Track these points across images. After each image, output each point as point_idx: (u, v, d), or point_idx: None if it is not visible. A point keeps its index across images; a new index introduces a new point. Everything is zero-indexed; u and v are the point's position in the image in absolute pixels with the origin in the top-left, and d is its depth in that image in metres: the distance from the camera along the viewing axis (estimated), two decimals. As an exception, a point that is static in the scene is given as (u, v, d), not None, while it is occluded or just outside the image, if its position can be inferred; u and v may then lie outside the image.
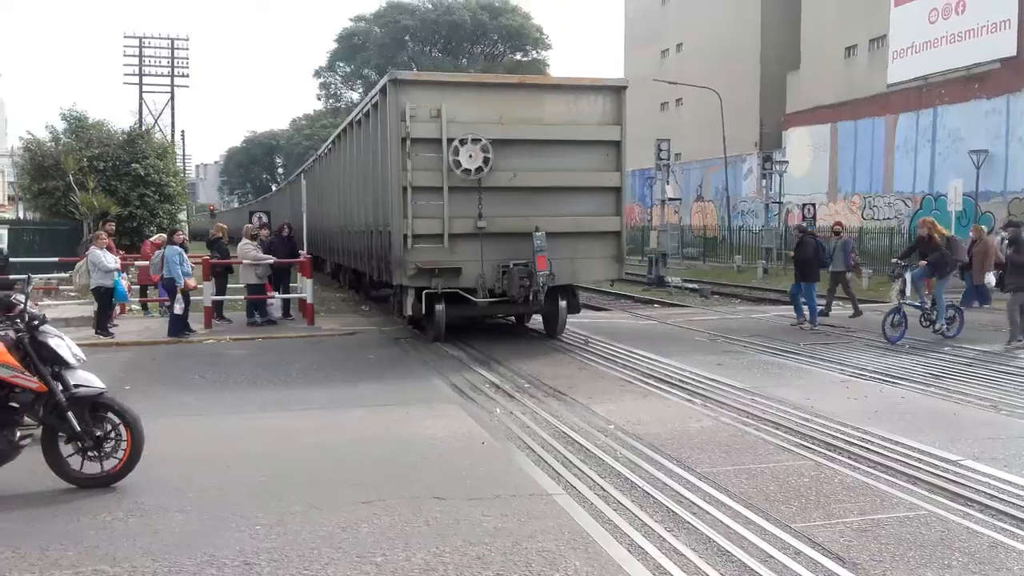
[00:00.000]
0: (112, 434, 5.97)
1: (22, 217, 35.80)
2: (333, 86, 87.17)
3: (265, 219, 20.01)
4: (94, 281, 13.58)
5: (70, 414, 5.83)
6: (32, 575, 4.47)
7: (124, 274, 14.51)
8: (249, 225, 16.97)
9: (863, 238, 31.83)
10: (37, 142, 26.08)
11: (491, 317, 15.08)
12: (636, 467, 6.42)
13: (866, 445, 7.01)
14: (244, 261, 15.22)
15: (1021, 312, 12.70)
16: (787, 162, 37.30)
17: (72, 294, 19.29)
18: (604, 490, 5.89)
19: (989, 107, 31.18)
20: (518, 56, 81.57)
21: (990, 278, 17.38)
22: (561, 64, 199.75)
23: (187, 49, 55.66)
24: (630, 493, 5.82)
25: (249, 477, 6.20)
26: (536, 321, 14.61)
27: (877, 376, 10.28)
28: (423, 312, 12.84)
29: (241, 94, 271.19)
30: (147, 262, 16.02)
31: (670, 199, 31.64)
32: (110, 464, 5.96)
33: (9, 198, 53.15)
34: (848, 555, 4.72)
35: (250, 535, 4.99)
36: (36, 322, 5.92)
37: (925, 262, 13.72)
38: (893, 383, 9.86)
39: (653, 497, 5.73)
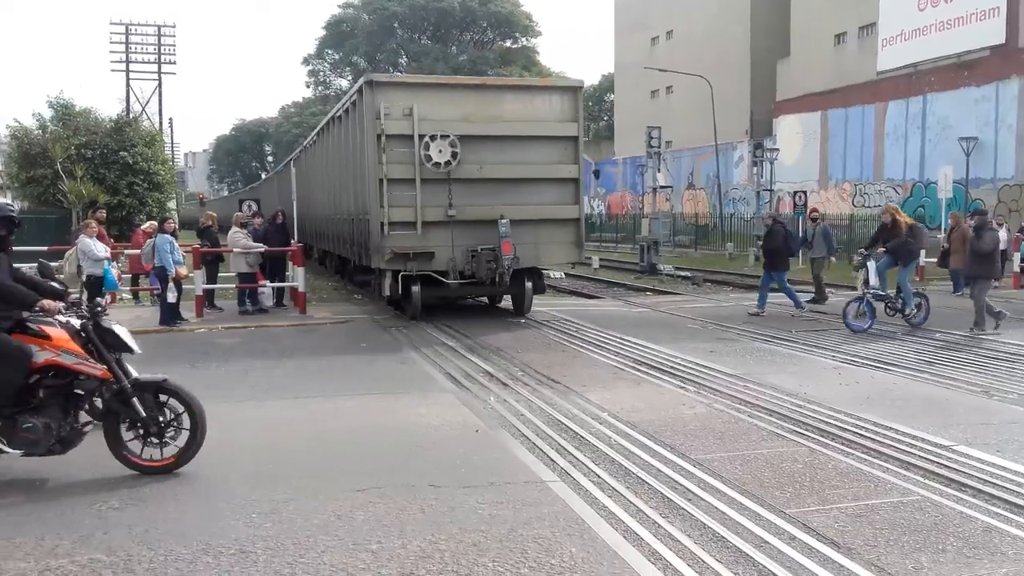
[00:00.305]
0: (174, 421, 5.98)
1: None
2: (322, 73, 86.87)
3: (255, 207, 19.92)
4: (85, 270, 13.50)
5: (135, 400, 5.83)
6: (28, 563, 4.44)
7: (114, 263, 14.42)
8: (239, 213, 16.86)
9: (853, 225, 31.93)
10: (24, 130, 25.88)
11: (463, 298, 16.01)
12: (630, 454, 6.43)
13: (859, 431, 7.04)
14: (235, 249, 15.16)
15: (978, 300, 12.82)
16: (778, 150, 37.36)
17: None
18: (599, 477, 5.89)
19: (979, 94, 31.28)
20: (508, 43, 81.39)
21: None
22: (551, 51, 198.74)
23: (174, 36, 55.18)
24: (624, 480, 5.83)
25: (243, 466, 6.19)
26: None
27: (869, 363, 10.32)
28: (400, 293, 13.88)
29: (229, 82, 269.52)
30: (138, 251, 15.92)
31: (661, 187, 31.65)
32: (170, 451, 5.96)
33: (-4, 187, 52.79)
34: (843, 540, 4.74)
35: (245, 523, 4.98)
36: (99, 308, 5.93)
37: (884, 249, 13.60)
38: (885, 369, 9.90)
39: (647, 484, 5.74)
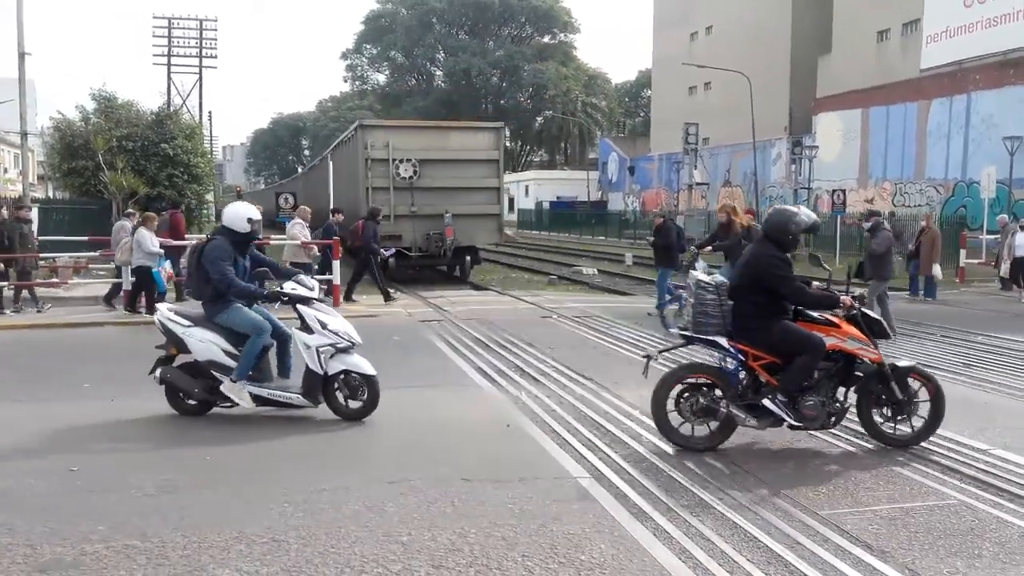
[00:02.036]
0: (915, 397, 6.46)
1: (52, 196, 36.21)
2: (360, 68, 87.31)
3: (292, 200, 20.17)
4: (135, 260, 13.75)
5: (893, 383, 6.37)
6: (64, 548, 4.52)
7: (167, 263, 14.52)
8: (305, 207, 17.23)
9: (893, 226, 31.45)
10: (67, 122, 26.32)
11: (424, 267, 22.21)
12: (661, 452, 6.40)
13: (895, 433, 6.93)
14: (299, 240, 15.58)
15: (879, 302, 12.70)
16: (817, 147, 36.97)
17: (101, 273, 19.52)
18: (629, 474, 5.87)
19: (1024, 93, 30.68)
20: (546, 39, 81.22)
21: (937, 269, 17.18)
22: (588, 47, 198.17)
23: (215, 30, 55.81)
24: (655, 478, 5.81)
25: (276, 456, 6.26)
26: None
27: (906, 364, 10.15)
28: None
29: (268, 76, 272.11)
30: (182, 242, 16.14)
31: (698, 184, 31.57)
32: (917, 424, 6.46)
33: (39, 177, 53.79)
34: (877, 543, 4.68)
35: (278, 513, 5.03)
36: (856, 299, 6.54)
37: (711, 249, 13.30)
38: (922, 371, 9.74)
39: (678, 482, 5.71)
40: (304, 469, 5.90)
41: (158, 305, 8.10)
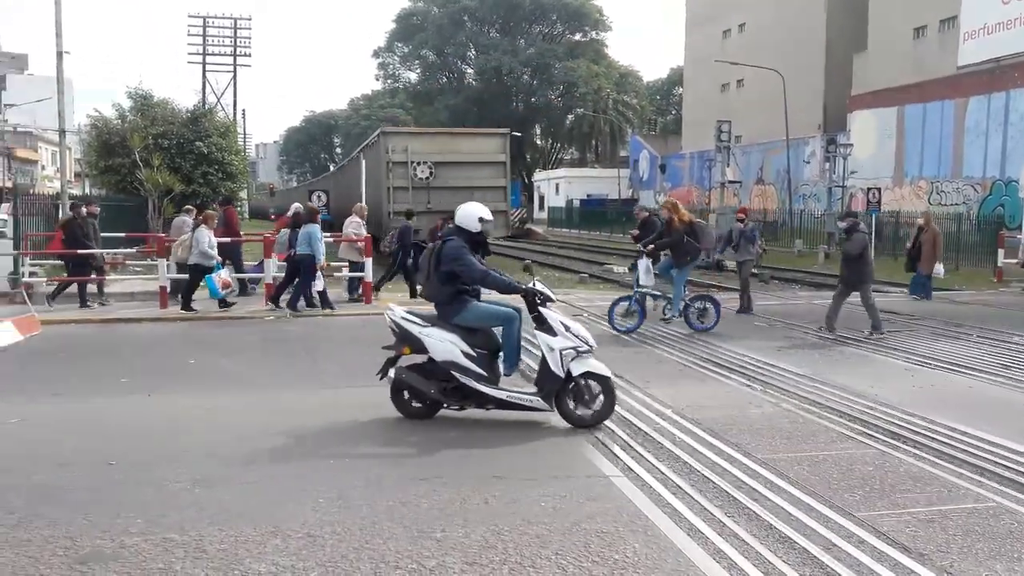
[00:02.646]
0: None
1: (89, 193, 36.72)
2: (391, 66, 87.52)
3: (324, 198, 20.34)
4: (192, 258, 14.04)
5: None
6: (103, 541, 4.59)
7: (224, 271, 14.76)
8: (361, 205, 17.56)
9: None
10: (104, 120, 26.67)
11: None
12: (694, 451, 6.37)
13: (932, 435, 6.86)
14: (352, 238, 15.91)
15: (838, 304, 12.62)
16: (852, 145, 36.53)
17: (137, 269, 19.79)
18: (663, 473, 5.85)
19: (1065, 90, 30.12)
20: (577, 36, 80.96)
21: (939, 269, 16.82)
22: (620, 45, 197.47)
23: (250, 29, 56.56)
24: (689, 477, 5.78)
25: (310, 451, 6.30)
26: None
27: (944, 365, 10.04)
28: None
29: (301, 74, 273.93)
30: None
31: (730, 182, 31.38)
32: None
33: (76, 175, 54.59)
34: (914, 545, 4.63)
35: (312, 508, 5.07)
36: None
37: (653, 247, 12.98)
38: (961, 372, 9.62)
39: (712, 482, 5.68)
40: (337, 464, 5.94)
41: (391, 305, 7.73)
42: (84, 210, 15.41)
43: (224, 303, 14.16)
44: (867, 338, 12.08)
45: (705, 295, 13.46)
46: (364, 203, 18.93)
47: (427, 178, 23.66)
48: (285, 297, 14.29)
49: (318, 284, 14.13)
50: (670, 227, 12.87)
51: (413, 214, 17.95)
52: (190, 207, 16.88)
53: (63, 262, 15.62)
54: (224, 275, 14.48)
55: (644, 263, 12.90)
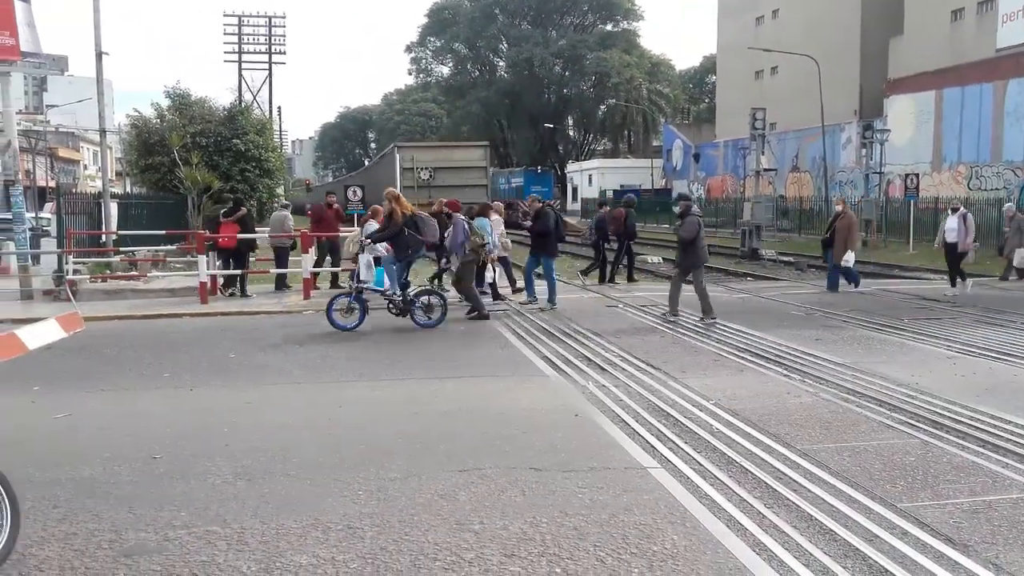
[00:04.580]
0: None
1: (129, 192, 37.27)
2: (424, 61, 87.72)
3: (360, 193, 20.41)
4: (368, 253, 14.42)
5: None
6: (148, 534, 4.67)
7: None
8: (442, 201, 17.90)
9: (969, 210, 30.48)
10: (143, 119, 27.06)
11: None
12: (733, 442, 6.33)
13: (976, 424, 6.75)
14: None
15: (676, 288, 12.79)
16: (889, 131, 35.95)
17: (178, 266, 20.04)
18: (700, 465, 5.82)
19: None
20: (608, 26, 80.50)
21: (851, 257, 15.95)
22: (652, 34, 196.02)
23: (284, 27, 56.87)
24: (727, 468, 5.74)
25: (348, 445, 6.35)
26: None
27: (988, 353, 9.88)
28: None
29: (335, 70, 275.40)
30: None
31: (765, 170, 30.98)
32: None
33: (117, 174, 55.41)
34: (958, 537, 4.56)
35: (352, 500, 5.12)
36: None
37: (368, 240, 12.59)
38: (1005, 360, 9.46)
39: (751, 473, 5.64)
40: (376, 457, 5.98)
41: None
42: (244, 209, 16.61)
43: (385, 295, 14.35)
44: (699, 323, 12.27)
45: (431, 290, 12.93)
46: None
47: (428, 179, 32.38)
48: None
49: (488, 275, 14.48)
50: (391, 219, 12.20)
51: (491, 207, 17.32)
52: (287, 202, 17.76)
53: (226, 254, 16.37)
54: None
55: (365, 258, 12.70)
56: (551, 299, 14.00)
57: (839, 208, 16.71)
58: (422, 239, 12.25)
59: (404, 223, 12.04)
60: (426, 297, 12.44)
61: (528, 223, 15.23)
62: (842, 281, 16.26)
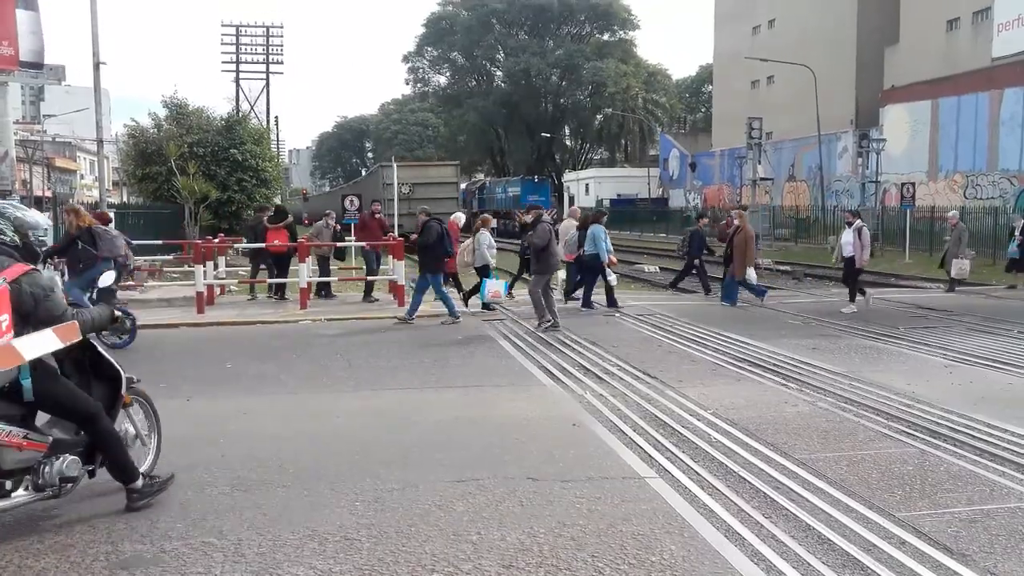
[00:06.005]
0: None
1: (127, 201, 37.24)
2: (421, 70, 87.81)
3: (357, 202, 20.42)
4: (478, 261, 15.09)
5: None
6: (144, 545, 4.64)
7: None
8: (465, 211, 18.50)
9: (964, 219, 30.58)
10: (140, 129, 27.07)
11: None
12: (730, 452, 6.32)
13: (973, 432, 6.76)
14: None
15: (544, 295, 12.80)
16: (885, 140, 36.09)
17: (174, 276, 20.02)
18: (698, 474, 5.81)
19: (1104, 80, 29.51)
20: (605, 36, 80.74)
21: (751, 274, 15.52)
22: (648, 44, 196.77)
23: (282, 36, 56.97)
24: (725, 478, 5.74)
25: (345, 454, 6.34)
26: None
27: (983, 361, 9.90)
28: None
29: (332, 80, 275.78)
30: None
31: (761, 179, 31.15)
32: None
33: (114, 183, 55.40)
34: (957, 546, 4.56)
35: (349, 511, 5.11)
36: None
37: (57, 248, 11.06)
38: (1001, 369, 9.48)
39: (749, 482, 5.63)
40: (373, 467, 5.97)
41: None
42: (291, 217, 17.65)
43: (487, 307, 14.69)
44: (536, 329, 12.53)
45: (123, 308, 11.76)
46: (396, 206, 19.26)
47: (408, 193, 37.63)
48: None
49: (611, 279, 14.80)
50: (68, 234, 11.00)
51: (604, 214, 16.61)
52: (329, 211, 18.31)
53: (275, 260, 16.80)
54: (494, 284, 14.62)
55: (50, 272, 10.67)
56: (451, 312, 13.54)
57: (737, 222, 16.04)
58: (97, 255, 10.78)
59: (77, 236, 10.80)
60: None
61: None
62: (745, 293, 15.91)
